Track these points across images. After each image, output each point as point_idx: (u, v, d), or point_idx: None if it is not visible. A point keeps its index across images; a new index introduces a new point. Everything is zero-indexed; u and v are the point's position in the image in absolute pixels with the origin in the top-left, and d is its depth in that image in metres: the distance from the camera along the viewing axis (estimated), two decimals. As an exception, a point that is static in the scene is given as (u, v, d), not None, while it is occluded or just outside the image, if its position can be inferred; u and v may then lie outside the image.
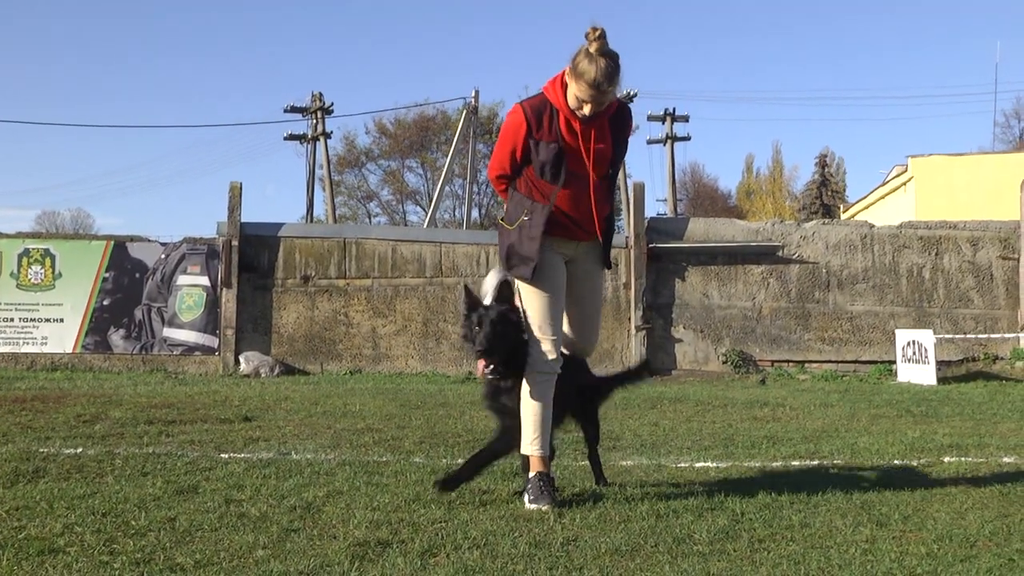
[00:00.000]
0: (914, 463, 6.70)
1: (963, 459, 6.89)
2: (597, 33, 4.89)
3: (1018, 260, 19.53)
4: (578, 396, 5.71)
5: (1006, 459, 6.95)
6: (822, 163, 69.46)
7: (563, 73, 5.08)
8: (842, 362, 19.08)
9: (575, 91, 4.96)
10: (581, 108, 5.00)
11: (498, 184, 5.56)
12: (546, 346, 5.20)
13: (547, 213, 5.18)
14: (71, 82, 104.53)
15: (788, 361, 19.17)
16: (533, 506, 4.84)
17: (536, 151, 5.16)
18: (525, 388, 5.17)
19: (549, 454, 5.21)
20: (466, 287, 5.68)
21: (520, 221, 5.25)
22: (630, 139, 5.69)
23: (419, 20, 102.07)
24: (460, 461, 6.14)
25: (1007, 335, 19.22)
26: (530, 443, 5.07)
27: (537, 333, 5.22)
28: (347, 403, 10.99)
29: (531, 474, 5.01)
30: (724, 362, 18.94)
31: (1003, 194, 21.17)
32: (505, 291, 5.37)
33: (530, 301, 5.28)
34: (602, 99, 4.98)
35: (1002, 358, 18.97)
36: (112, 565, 3.52)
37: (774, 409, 11.02)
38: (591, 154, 5.17)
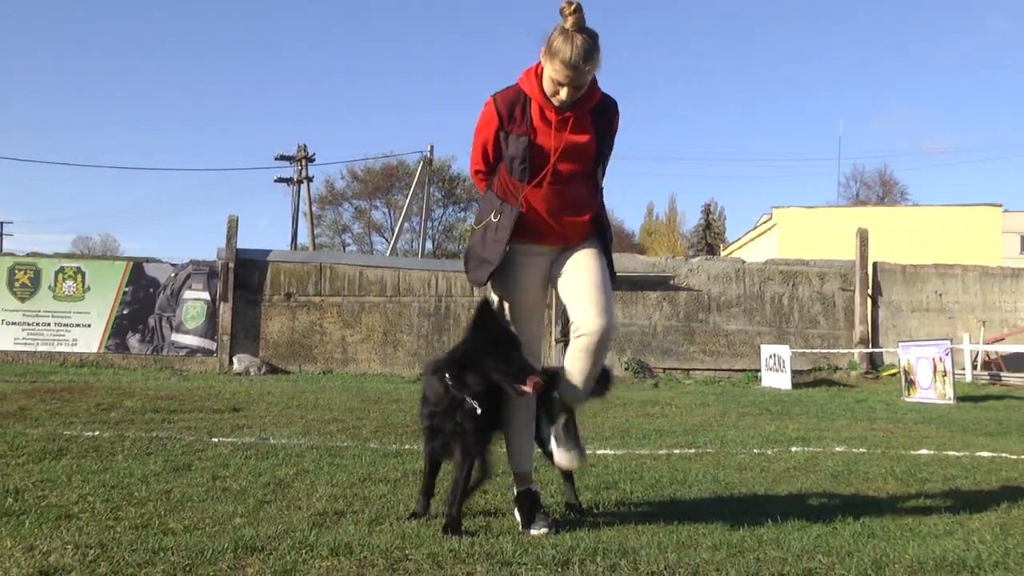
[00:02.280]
0: (769, 451, 6.76)
1: (806, 449, 6.97)
2: (572, 7, 3.65)
3: (854, 292, 19.92)
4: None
5: (838, 448, 7.04)
6: (707, 210, 70.31)
7: (538, 63, 3.81)
8: (719, 370, 19.31)
9: (550, 73, 3.68)
10: (557, 92, 3.72)
11: (477, 180, 4.22)
12: None
13: (516, 215, 3.87)
14: (101, 126, 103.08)
15: (677, 369, 19.38)
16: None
17: (506, 145, 3.88)
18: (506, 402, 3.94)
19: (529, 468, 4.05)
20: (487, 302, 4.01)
21: (487, 221, 3.99)
22: (615, 137, 4.10)
23: (385, 87, 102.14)
24: (408, 447, 6.11)
25: (844, 350, 19.58)
26: (519, 459, 4.01)
27: None
28: (318, 398, 10.90)
29: (517, 491, 3.96)
30: (626, 369, 19.08)
31: (844, 239, 21.55)
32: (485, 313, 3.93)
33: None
34: (580, 80, 3.67)
35: (840, 368, 19.33)
36: (116, 529, 3.47)
37: (663, 407, 11.08)
38: (563, 146, 3.82)
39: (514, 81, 3.96)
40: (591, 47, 3.60)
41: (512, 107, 3.85)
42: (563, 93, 3.71)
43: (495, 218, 3.94)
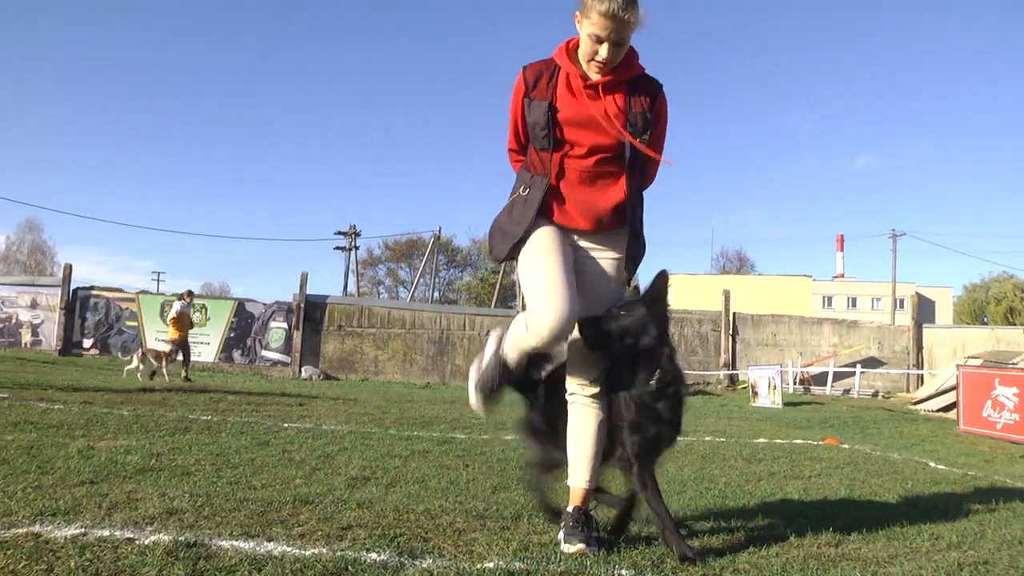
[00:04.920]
0: (659, 440, 6.76)
1: (685, 438, 6.96)
2: None
3: (720, 332, 20.06)
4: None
5: (707, 438, 7.05)
6: (623, 275, 70.69)
7: (571, 38, 2.52)
8: (628, 382, 19.32)
9: (588, 29, 2.36)
10: (596, 53, 2.37)
11: (512, 160, 2.72)
12: (552, 303, 2.33)
13: (545, 186, 2.48)
14: (220, 205, 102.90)
15: (600, 381, 19.36)
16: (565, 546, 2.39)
17: (528, 111, 2.51)
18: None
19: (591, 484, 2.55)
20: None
21: (515, 196, 2.59)
22: (663, 123, 2.55)
23: (410, 185, 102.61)
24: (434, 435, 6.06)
25: (713, 372, 19.68)
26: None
27: (539, 298, 2.36)
28: (357, 397, 10.82)
29: (570, 508, 2.49)
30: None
31: (715, 297, 21.78)
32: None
33: (525, 271, 2.46)
34: (621, 33, 2.34)
35: (711, 383, 19.38)
36: (218, 483, 3.43)
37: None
38: (585, 115, 2.45)
39: None
40: None
41: (539, 75, 2.54)
42: (603, 51, 2.38)
43: (524, 192, 2.57)
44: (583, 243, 2.57)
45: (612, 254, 2.58)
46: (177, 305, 13.58)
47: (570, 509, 2.51)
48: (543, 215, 2.51)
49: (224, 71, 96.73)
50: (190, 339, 13.97)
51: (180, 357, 13.19)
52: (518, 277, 2.54)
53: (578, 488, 2.54)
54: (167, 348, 13.28)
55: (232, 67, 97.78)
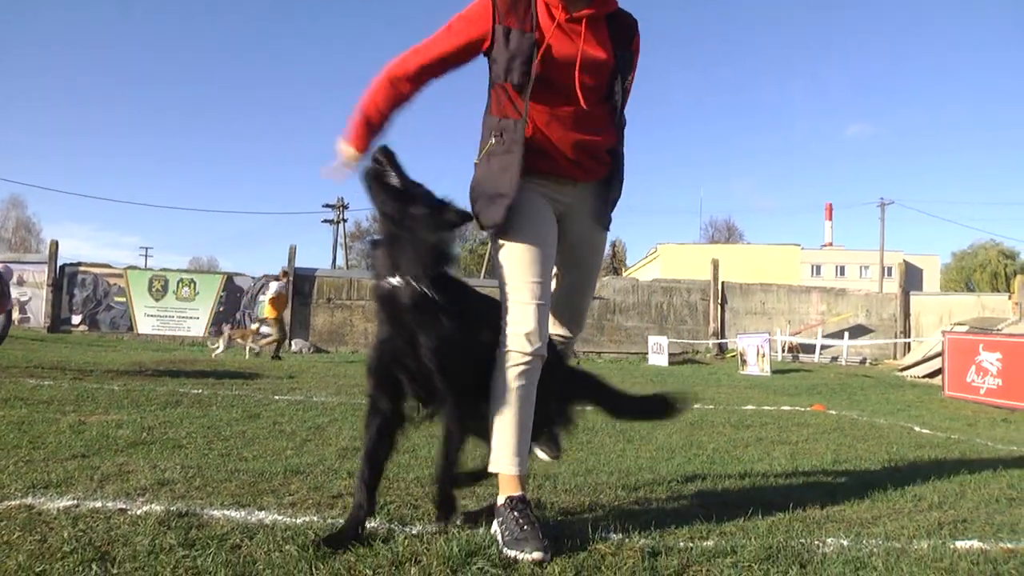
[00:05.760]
0: (648, 408, 6.81)
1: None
2: None
3: (709, 301, 20.16)
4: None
5: (696, 405, 7.08)
6: (613, 245, 70.47)
7: None
8: (620, 353, 19.42)
9: None
10: None
11: (398, 78, 2.23)
12: (528, 317, 2.11)
13: (522, 129, 2.13)
14: (210, 180, 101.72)
15: (592, 352, 19.43)
16: (513, 552, 1.92)
17: (505, 41, 2.10)
18: (497, 379, 2.14)
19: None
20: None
21: (489, 147, 2.19)
22: (637, 59, 2.29)
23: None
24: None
25: (702, 340, 19.81)
26: (503, 456, 2.14)
27: (514, 299, 2.13)
28: (347, 370, 10.83)
29: (501, 500, 2.11)
30: (556, 351, 19.11)
31: (703, 266, 21.86)
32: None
33: (505, 254, 2.18)
34: None
35: (700, 352, 19.54)
36: (209, 456, 3.45)
37: (580, 377, 11.11)
38: (581, 55, 2.12)
39: None
40: None
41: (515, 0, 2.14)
42: None
43: (495, 139, 2.19)
44: (572, 199, 2.31)
45: (593, 202, 2.37)
46: (274, 286, 14.23)
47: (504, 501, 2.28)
48: (530, 170, 2.19)
49: (211, 48, 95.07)
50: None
51: (270, 336, 13.76)
52: (496, 257, 2.23)
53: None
54: (254, 327, 14.16)
55: (219, 44, 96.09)
